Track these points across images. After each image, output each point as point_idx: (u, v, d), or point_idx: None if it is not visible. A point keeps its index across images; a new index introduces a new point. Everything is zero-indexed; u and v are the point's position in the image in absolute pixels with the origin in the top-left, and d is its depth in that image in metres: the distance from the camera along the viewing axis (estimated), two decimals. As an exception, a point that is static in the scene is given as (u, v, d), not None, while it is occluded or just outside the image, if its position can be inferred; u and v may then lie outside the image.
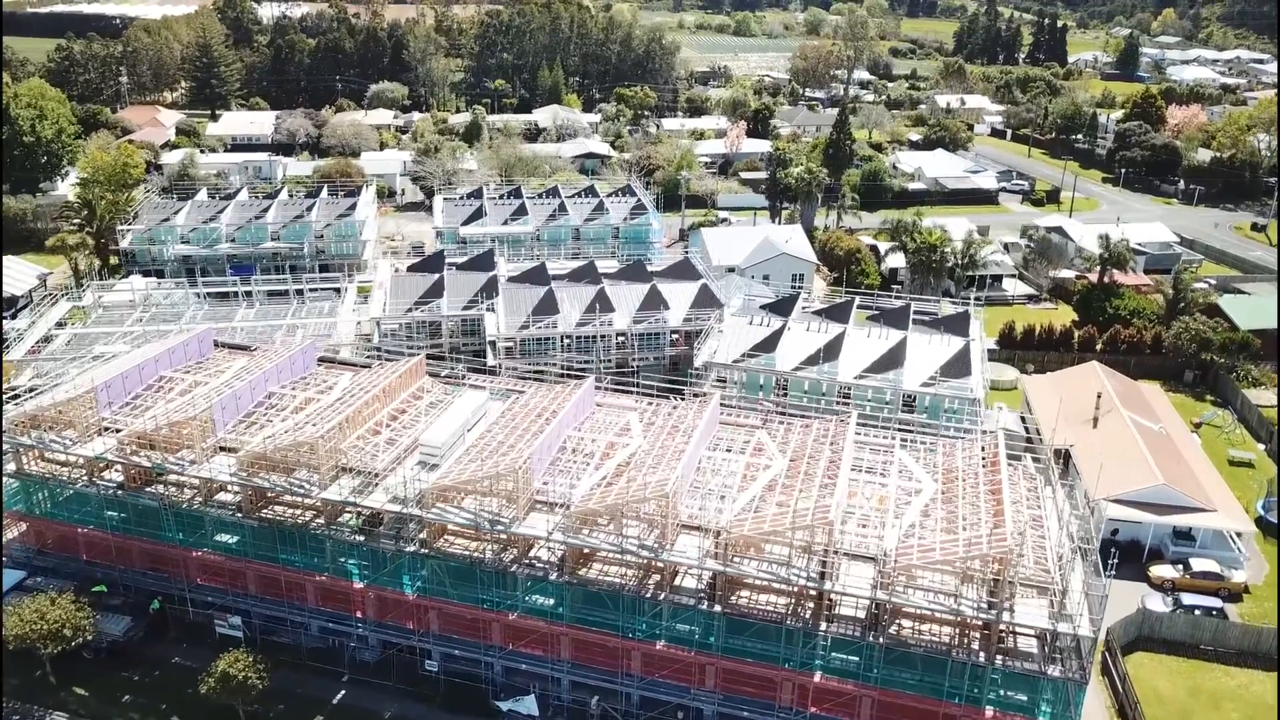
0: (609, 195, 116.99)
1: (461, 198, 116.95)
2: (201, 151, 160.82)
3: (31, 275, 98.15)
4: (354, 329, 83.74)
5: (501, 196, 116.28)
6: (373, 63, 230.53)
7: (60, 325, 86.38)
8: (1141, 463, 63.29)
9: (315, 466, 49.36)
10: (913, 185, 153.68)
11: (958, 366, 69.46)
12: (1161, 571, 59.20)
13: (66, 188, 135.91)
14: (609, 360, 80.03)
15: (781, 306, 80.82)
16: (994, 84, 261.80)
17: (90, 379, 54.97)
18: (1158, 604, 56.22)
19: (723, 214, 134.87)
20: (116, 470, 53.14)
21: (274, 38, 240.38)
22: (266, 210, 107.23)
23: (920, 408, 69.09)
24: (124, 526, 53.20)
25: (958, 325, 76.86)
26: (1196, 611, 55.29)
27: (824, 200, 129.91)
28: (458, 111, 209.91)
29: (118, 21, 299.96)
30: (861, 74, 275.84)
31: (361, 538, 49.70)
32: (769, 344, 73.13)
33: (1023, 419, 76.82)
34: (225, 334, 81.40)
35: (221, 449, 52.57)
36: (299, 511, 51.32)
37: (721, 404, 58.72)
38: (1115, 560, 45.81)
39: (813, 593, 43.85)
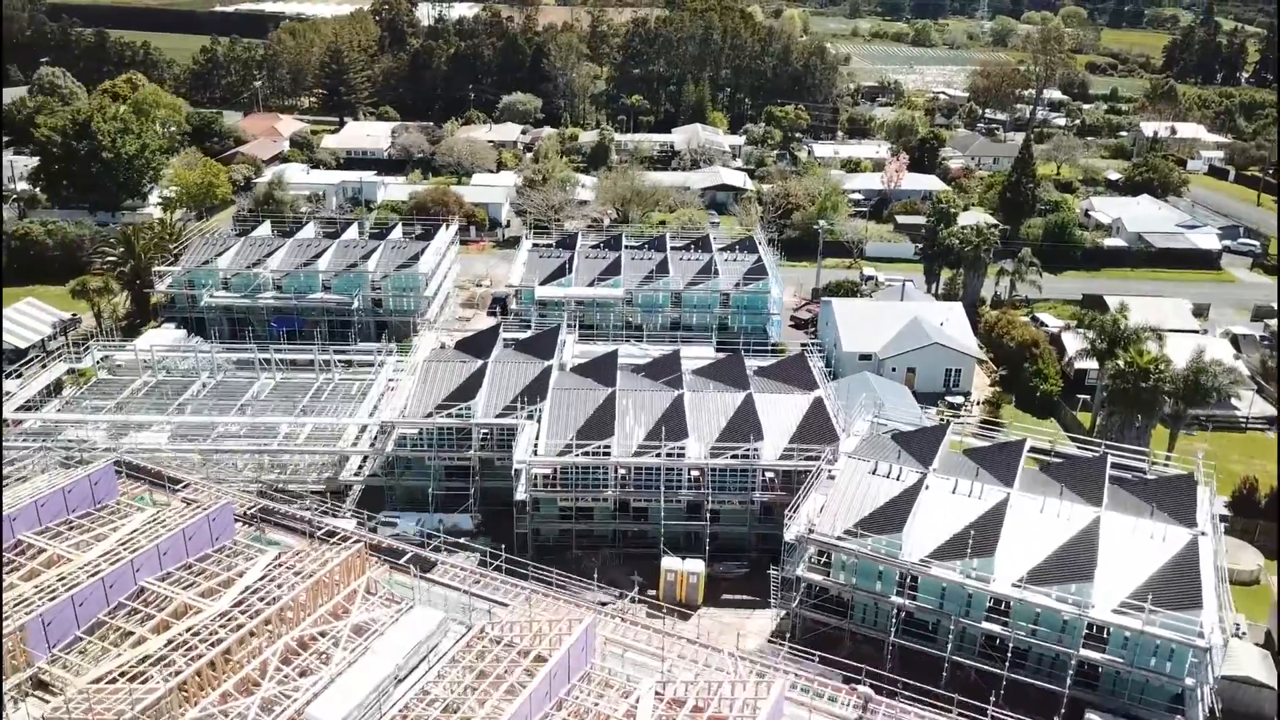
0: (723, 249, 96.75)
1: (553, 245, 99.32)
2: (308, 168, 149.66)
3: (47, 321, 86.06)
4: (367, 433, 66.86)
5: (595, 247, 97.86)
6: (511, 71, 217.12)
7: (54, 391, 73.49)
8: None
9: (137, 751, 31.86)
10: (1109, 241, 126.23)
11: (1179, 587, 45.96)
12: None
13: (154, 209, 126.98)
14: (678, 502, 60.01)
15: (921, 443, 58.63)
16: (1212, 109, 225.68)
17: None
18: None
19: (869, 270, 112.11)
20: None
21: (424, 41, 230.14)
22: (322, 253, 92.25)
23: (1114, 646, 46.01)
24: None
25: (1177, 498, 52.98)
26: None
27: (996, 254, 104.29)
28: (597, 126, 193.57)
29: (287, 20, 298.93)
30: (1052, 93, 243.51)
31: None
32: (896, 513, 51.44)
33: (1275, 656, 52.11)
34: (217, 430, 66.34)
35: (42, 684, 35.92)
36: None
37: (800, 656, 37.98)
38: None
39: None
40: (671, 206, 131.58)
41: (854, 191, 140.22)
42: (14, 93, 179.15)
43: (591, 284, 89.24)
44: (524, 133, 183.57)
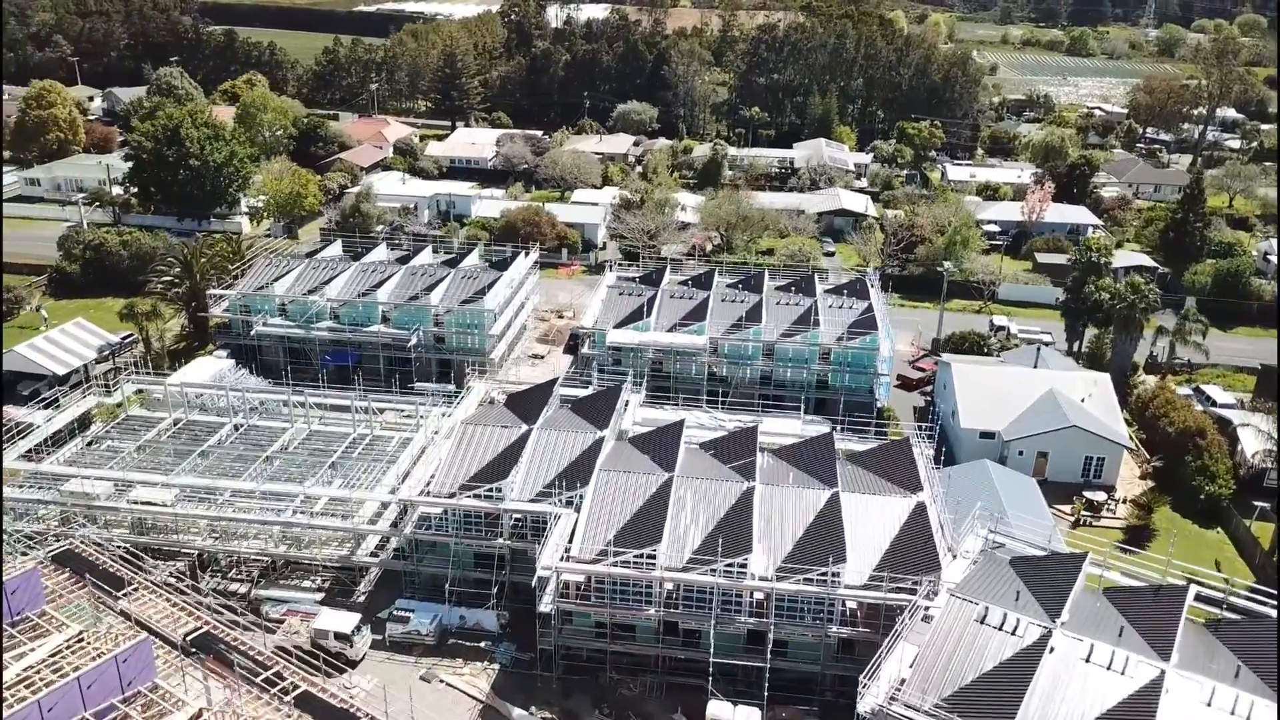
0: (829, 292, 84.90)
1: (635, 280, 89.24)
2: (405, 178, 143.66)
3: (93, 345, 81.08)
4: (386, 510, 58.21)
5: (683, 283, 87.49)
6: (630, 78, 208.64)
7: (79, 428, 67.82)
8: None
9: None
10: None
11: None
12: None
13: (243, 218, 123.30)
14: (735, 629, 49.05)
15: (1048, 577, 46.07)
16: None
17: None
18: None
19: (1000, 319, 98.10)
20: None
21: (546, 45, 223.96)
22: (385, 281, 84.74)
23: None
24: None
25: (1404, 695, 39.17)
26: None
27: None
28: (717, 136, 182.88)
29: (423, 20, 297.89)
30: (1226, 112, 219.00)
31: None
32: (1008, 686, 39.50)
33: None
34: (221, 497, 58.83)
35: None
36: None
37: None
38: None
39: None
40: (782, 232, 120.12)
41: (989, 222, 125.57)
42: (134, 92, 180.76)
43: (672, 329, 78.89)
44: (636, 144, 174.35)
